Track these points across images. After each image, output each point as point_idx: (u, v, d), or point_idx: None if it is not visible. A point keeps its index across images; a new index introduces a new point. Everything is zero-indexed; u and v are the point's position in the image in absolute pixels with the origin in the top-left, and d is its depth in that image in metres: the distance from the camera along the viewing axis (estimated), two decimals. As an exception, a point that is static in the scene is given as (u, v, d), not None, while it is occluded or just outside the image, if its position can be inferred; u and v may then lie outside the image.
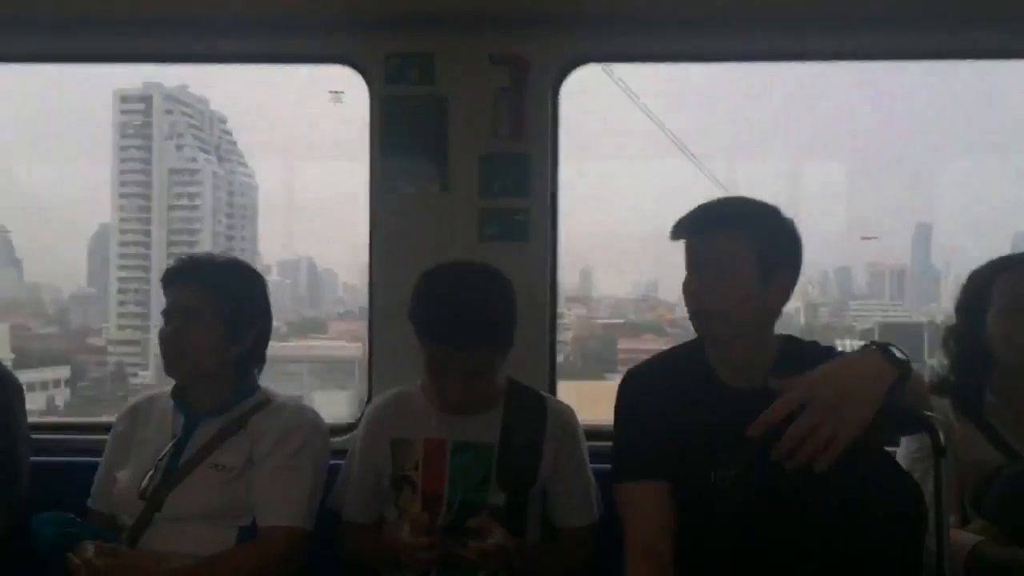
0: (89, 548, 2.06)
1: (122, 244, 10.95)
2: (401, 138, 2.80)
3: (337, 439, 2.44)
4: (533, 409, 2.31)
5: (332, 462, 2.34)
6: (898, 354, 1.86)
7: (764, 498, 1.96)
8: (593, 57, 2.85)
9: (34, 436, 2.43)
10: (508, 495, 2.24)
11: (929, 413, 1.93)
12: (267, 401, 2.32)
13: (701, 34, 2.75)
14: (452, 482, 2.23)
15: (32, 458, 2.38)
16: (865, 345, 1.90)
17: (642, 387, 2.13)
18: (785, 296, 2.05)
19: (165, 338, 2.25)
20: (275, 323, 2.41)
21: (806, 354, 2.06)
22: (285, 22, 2.78)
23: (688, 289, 2.03)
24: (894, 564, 1.90)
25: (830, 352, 2.08)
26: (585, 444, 2.34)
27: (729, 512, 1.99)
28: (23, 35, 2.83)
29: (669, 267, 2.21)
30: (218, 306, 2.24)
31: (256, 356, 2.36)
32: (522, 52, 2.76)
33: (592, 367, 8.37)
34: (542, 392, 2.39)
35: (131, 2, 2.71)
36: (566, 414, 2.34)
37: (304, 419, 2.30)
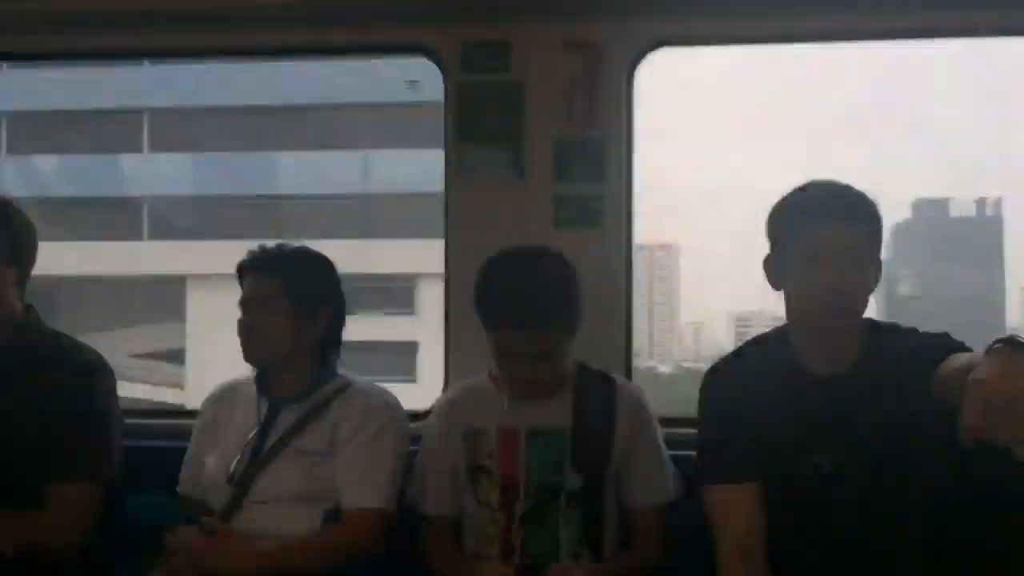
0: (182, 528, 2.14)
1: None
2: (477, 125, 2.81)
3: (414, 424, 2.47)
4: (603, 391, 2.32)
5: (410, 448, 2.37)
6: None
7: (867, 486, 1.93)
8: (669, 41, 2.81)
9: (127, 421, 2.51)
10: (584, 477, 2.25)
11: None
12: (347, 386, 2.37)
13: (783, 13, 2.68)
14: (528, 468, 2.26)
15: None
16: (995, 341, 1.66)
17: (728, 383, 2.11)
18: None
19: (242, 327, 2.33)
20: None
21: (889, 337, 2.03)
22: (360, 13, 2.79)
23: (821, 281, 1.92)
24: (1009, 560, 1.83)
25: (911, 334, 2.04)
26: (657, 422, 2.35)
27: (829, 502, 1.96)
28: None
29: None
30: (289, 292, 2.30)
31: (332, 340, 2.40)
32: (597, 37, 2.73)
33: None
34: (611, 374, 2.39)
35: None
36: (636, 393, 2.36)
37: (383, 402, 2.35)
